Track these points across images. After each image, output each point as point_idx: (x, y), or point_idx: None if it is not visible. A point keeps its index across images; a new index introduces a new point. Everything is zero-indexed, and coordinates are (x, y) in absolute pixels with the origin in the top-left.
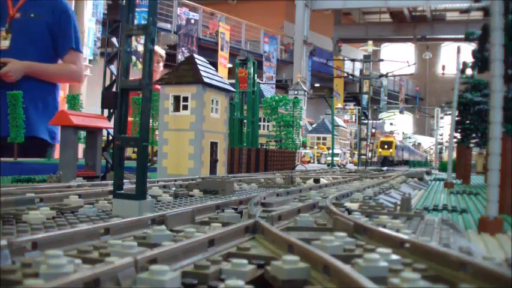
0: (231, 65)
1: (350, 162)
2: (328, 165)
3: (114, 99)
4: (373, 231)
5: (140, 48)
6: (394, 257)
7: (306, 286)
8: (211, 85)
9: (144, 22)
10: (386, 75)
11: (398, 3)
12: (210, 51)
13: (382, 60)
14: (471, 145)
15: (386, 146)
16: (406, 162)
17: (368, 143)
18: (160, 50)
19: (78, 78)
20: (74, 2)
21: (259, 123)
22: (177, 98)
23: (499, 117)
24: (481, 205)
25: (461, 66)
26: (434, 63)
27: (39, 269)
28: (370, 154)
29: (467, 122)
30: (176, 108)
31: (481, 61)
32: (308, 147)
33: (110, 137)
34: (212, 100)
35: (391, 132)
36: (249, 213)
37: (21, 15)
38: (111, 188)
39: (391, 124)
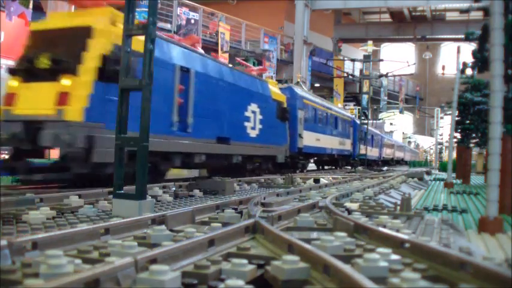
0: (231, 65)
1: None
2: None
3: None
4: (373, 231)
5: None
6: (394, 257)
7: (306, 286)
8: None
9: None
10: (386, 75)
11: (399, 3)
12: (210, 51)
13: (382, 60)
14: (471, 145)
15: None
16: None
17: (365, 144)
18: None
19: None
20: None
21: None
22: None
23: (499, 117)
24: (481, 205)
25: (461, 66)
26: (434, 63)
27: (39, 269)
28: None
29: (467, 122)
30: None
31: (481, 61)
32: None
33: None
34: None
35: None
36: (249, 213)
37: None
38: (111, 188)
39: (391, 124)
